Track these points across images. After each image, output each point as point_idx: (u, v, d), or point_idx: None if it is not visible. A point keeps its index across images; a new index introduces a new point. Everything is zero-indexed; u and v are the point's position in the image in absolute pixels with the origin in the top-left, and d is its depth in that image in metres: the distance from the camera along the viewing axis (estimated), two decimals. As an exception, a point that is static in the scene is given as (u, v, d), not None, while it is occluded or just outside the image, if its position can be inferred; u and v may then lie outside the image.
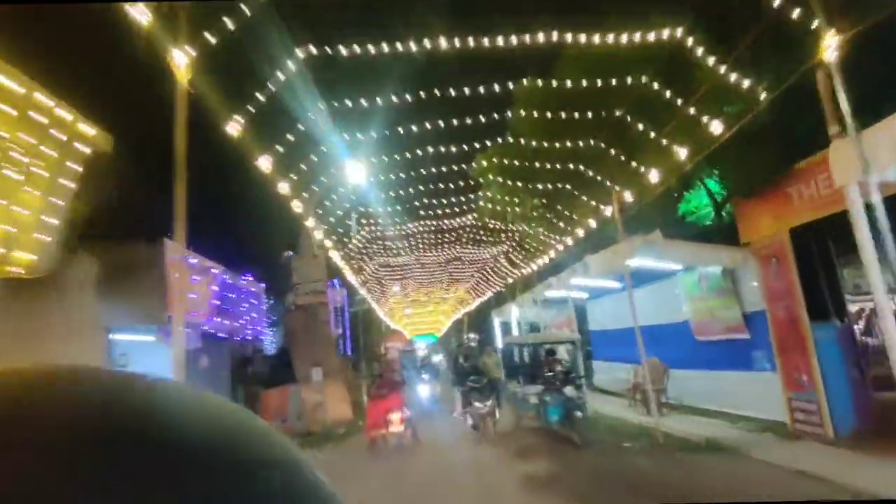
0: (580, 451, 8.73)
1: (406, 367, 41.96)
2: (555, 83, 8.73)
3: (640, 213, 10.54)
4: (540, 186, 10.43)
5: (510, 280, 20.29)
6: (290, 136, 13.19)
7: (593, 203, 10.48)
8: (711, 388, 10.72)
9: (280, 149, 12.89)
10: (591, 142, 10.05)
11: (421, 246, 16.34)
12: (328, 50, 9.89)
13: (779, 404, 8.51)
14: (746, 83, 7.61)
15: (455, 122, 10.60)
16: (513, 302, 20.21)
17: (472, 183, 12.03)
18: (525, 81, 9.13)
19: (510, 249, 16.77)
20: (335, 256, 15.98)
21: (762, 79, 7.51)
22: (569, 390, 9.44)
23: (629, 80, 8.53)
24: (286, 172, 13.65)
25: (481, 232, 14.69)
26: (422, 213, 14.29)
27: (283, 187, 13.33)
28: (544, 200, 10.84)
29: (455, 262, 19.81)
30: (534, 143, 9.67)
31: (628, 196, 10.09)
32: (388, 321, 46.45)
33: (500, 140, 10.37)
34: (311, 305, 14.72)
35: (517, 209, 11.25)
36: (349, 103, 12.15)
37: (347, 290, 44.56)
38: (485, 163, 10.77)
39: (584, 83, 8.69)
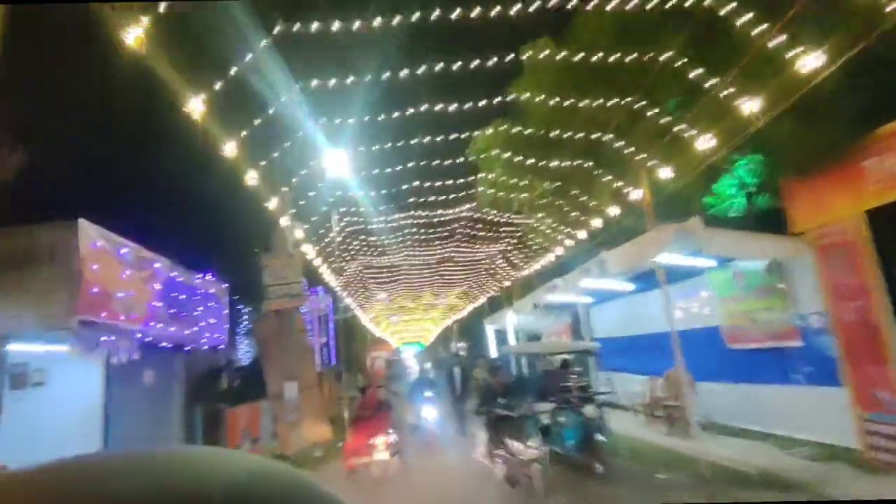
0: (607, 485, 7.14)
1: (394, 379, 39.77)
2: (573, 41, 7.27)
3: (665, 201, 9.05)
4: (552, 165, 8.89)
5: (507, 284, 18.71)
6: (261, 121, 11.69)
7: (614, 186, 8.96)
8: (749, 405, 9.21)
9: (250, 134, 11.37)
10: (611, 122, 8.55)
11: (410, 244, 14.74)
12: (302, 24, 8.45)
13: (845, 426, 7.02)
14: (808, 39, 6.18)
15: (449, 102, 9.10)
16: (509, 308, 18.65)
17: (468, 168, 10.49)
18: (537, 42, 7.65)
19: (509, 248, 15.21)
20: (315, 256, 14.31)
21: (831, 32, 6.07)
22: (589, 409, 7.86)
23: (663, 36, 7.05)
24: (257, 160, 12.10)
25: (478, 226, 13.11)
26: (411, 206, 12.71)
27: (253, 177, 11.77)
28: (557, 183, 9.30)
29: (446, 263, 18.20)
30: (546, 114, 8.16)
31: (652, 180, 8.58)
32: (374, 329, 44.67)
33: (502, 118, 8.87)
34: (285, 311, 12.99)
35: (523, 195, 9.69)
36: (328, 84, 10.70)
37: (332, 296, 42.75)
38: (487, 139, 9.23)
39: (609, 41, 7.19)
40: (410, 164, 10.82)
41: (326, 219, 13.78)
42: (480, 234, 13.63)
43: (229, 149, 10.40)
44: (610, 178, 8.90)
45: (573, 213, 10.04)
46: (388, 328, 50.84)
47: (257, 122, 11.15)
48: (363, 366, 33.76)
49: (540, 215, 10.63)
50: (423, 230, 13.34)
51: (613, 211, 9.39)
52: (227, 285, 9.92)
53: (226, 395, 12.64)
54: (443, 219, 12.21)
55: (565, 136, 8.18)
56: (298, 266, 13.33)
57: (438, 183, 10.64)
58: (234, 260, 12.72)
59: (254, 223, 12.39)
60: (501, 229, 13.11)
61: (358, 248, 14.94)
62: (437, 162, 10.19)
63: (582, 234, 10.52)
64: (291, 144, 13.30)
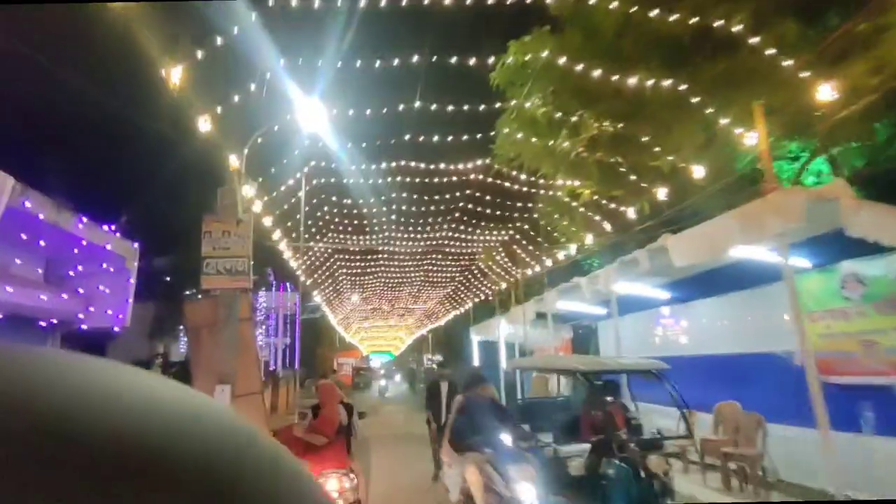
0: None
1: (361, 386, 36.46)
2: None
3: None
4: (608, 106, 6.32)
5: (502, 286, 15.98)
6: (211, 51, 9.09)
7: (706, 133, 6.35)
8: (854, 461, 6.64)
9: (195, 65, 8.77)
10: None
11: (393, 223, 12.05)
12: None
13: None
14: None
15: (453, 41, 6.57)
16: (501, 316, 15.93)
17: (480, 118, 7.82)
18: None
19: (518, 235, 12.42)
20: (274, 227, 11.43)
21: None
22: (654, 462, 5.17)
23: None
24: (203, 98, 9.47)
25: (485, 200, 10.36)
26: (399, 171, 9.97)
27: (196, 110, 9.24)
28: (619, 125, 6.58)
29: (434, 255, 15.46)
30: (611, 22, 5.58)
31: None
32: (343, 332, 41.48)
33: (541, 25, 6.35)
34: (225, 294, 10.03)
35: (564, 144, 6.98)
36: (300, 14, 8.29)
37: (300, 294, 39.61)
38: (524, 47, 6.59)
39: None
40: (401, 109, 8.12)
41: (292, 180, 10.96)
42: (485, 212, 10.94)
43: (159, 62, 7.77)
44: (703, 119, 6.26)
45: (630, 177, 7.38)
46: (357, 333, 47.72)
47: (211, 53, 8.65)
48: (328, 370, 30.55)
49: (576, 182, 7.94)
50: (412, 205, 10.65)
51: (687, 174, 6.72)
52: (136, 245, 7.02)
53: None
54: (439, 190, 9.56)
55: (642, 52, 5.59)
56: (248, 236, 10.37)
57: (438, 137, 7.97)
58: (157, 214, 9.79)
59: (191, 170, 9.57)
60: (515, 204, 10.41)
61: (329, 221, 12.13)
62: (438, 105, 7.54)
63: (635, 212, 7.83)
64: (251, 79, 10.66)
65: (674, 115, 6.29)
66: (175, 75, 8.45)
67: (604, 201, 8.03)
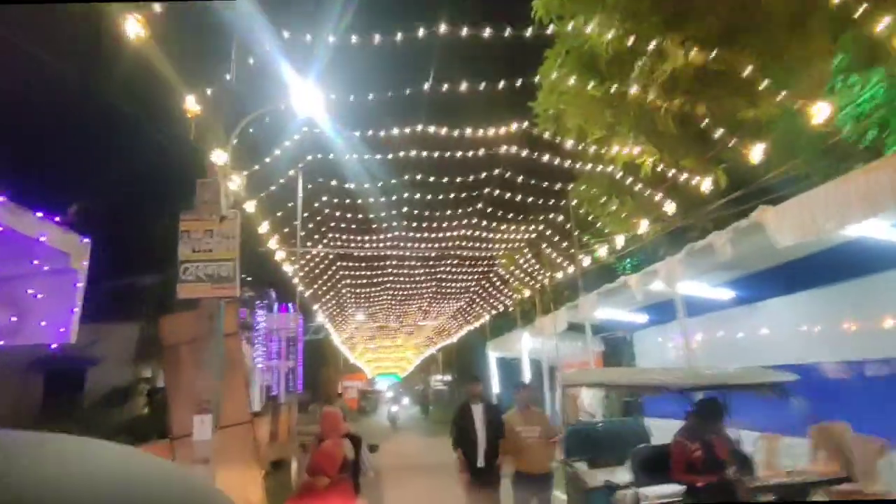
0: None
1: (368, 410, 34.44)
2: None
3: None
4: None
5: (526, 293, 14.29)
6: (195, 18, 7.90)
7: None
8: None
9: (175, 32, 7.54)
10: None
11: (404, 223, 10.56)
12: None
13: None
14: None
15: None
16: (524, 329, 14.31)
17: (511, 96, 6.33)
18: None
19: (549, 230, 10.76)
20: (268, 230, 9.97)
21: None
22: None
23: None
24: (185, 76, 8.22)
25: (514, 182, 8.71)
26: (411, 165, 8.51)
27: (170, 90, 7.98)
28: (712, 52, 4.91)
29: (448, 262, 13.89)
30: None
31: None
32: (348, 353, 39.74)
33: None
34: (207, 305, 8.51)
35: (631, 89, 5.35)
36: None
37: (303, 314, 37.99)
38: None
39: None
40: (414, 91, 6.69)
41: (288, 175, 9.52)
42: (513, 200, 9.38)
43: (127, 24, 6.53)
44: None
45: (714, 134, 5.76)
46: (363, 355, 45.96)
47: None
48: (332, 394, 28.79)
49: (636, 150, 6.27)
50: (425, 198, 9.18)
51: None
52: (86, 241, 5.54)
53: (100, 424, 8.09)
54: (460, 173, 8.08)
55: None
56: (235, 236, 8.85)
57: (460, 95, 6.48)
58: (137, 220, 8.32)
59: (168, 159, 8.17)
60: (549, 187, 8.79)
61: (330, 221, 10.64)
62: (461, 81, 6.07)
63: (712, 183, 6.21)
64: (243, 57, 9.37)
65: (794, 29, 4.77)
66: (150, 46, 7.09)
67: (670, 173, 6.49)
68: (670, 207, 7.11)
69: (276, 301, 35.12)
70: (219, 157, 8.27)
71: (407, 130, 6.29)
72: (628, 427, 6.48)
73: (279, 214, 10.52)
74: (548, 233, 11.01)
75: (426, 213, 10.11)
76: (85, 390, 13.31)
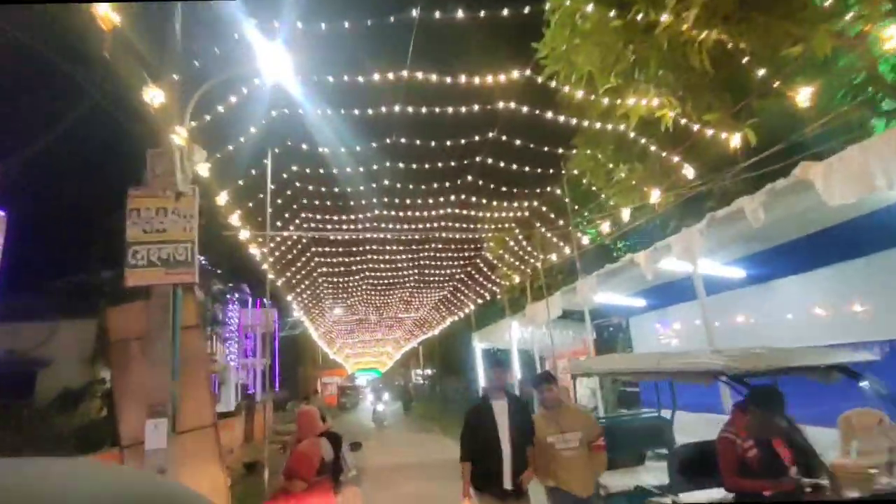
0: None
1: (348, 406, 33.54)
2: None
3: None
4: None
5: (516, 279, 13.44)
6: None
7: None
8: None
9: None
10: None
11: (385, 201, 9.64)
12: None
13: None
14: None
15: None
16: (513, 317, 13.52)
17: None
18: None
19: (545, 207, 9.84)
20: (229, 207, 8.98)
21: None
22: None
23: None
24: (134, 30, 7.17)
25: (506, 152, 7.81)
26: (393, 126, 7.58)
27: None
28: None
29: (431, 246, 12.97)
30: None
31: None
32: (327, 349, 38.61)
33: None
34: (160, 293, 7.48)
35: (662, 16, 4.41)
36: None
37: (278, 309, 36.68)
38: None
39: None
40: (400, 23, 5.75)
41: (256, 149, 8.52)
42: (507, 171, 8.43)
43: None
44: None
45: (754, 75, 4.89)
46: (342, 350, 44.84)
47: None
48: (310, 391, 27.70)
49: (655, 102, 5.35)
50: (409, 173, 8.28)
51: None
52: (2, 213, 4.57)
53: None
54: (452, 137, 7.16)
55: None
56: (193, 215, 7.85)
57: (447, 65, 5.61)
58: (89, 202, 7.23)
59: (109, 125, 7.16)
60: (548, 151, 7.85)
61: (303, 202, 9.64)
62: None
63: (741, 139, 5.34)
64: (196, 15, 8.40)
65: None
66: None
67: (691, 130, 5.69)
68: (688, 172, 6.33)
69: (250, 296, 33.87)
70: (172, 120, 7.26)
71: (390, 76, 5.37)
72: (646, 421, 5.72)
73: (245, 195, 9.51)
74: (543, 209, 10.16)
75: (410, 187, 9.19)
76: (35, 394, 12.13)
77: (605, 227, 8.63)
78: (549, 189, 9.49)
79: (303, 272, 13.46)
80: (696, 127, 5.56)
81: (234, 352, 27.37)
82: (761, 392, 3.54)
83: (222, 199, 9.36)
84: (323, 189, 8.95)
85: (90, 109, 7.69)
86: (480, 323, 16.71)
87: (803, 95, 4.44)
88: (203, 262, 17.74)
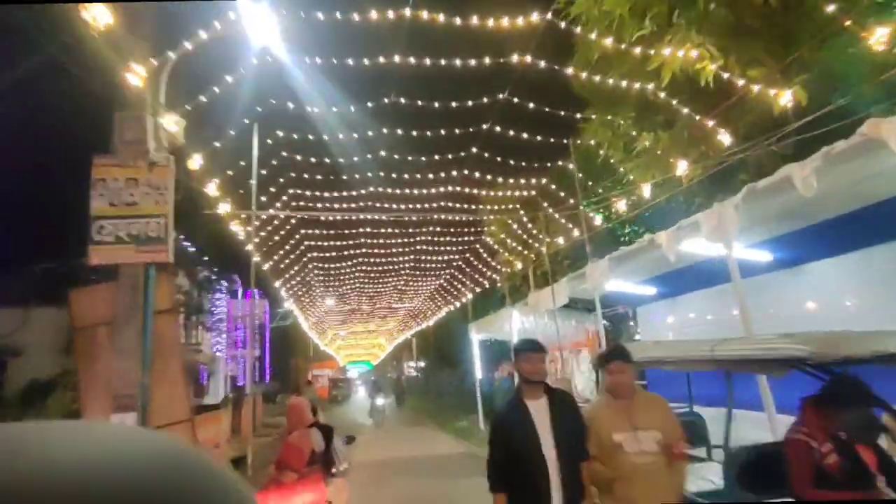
0: None
1: (339, 399, 32.89)
2: None
3: None
4: None
5: (518, 265, 12.71)
6: None
7: None
8: None
9: None
10: None
11: (381, 176, 8.91)
12: None
13: None
14: None
15: None
16: (514, 307, 12.88)
17: None
18: None
19: (553, 185, 9.07)
20: (208, 179, 8.30)
21: None
22: None
23: None
24: None
25: (518, 114, 7.03)
26: (390, 86, 6.87)
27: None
28: None
29: (428, 228, 12.27)
30: None
31: None
32: (318, 341, 37.88)
33: None
34: (131, 272, 6.73)
35: None
36: None
37: (268, 300, 35.78)
38: None
39: None
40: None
41: (239, 114, 7.79)
42: (516, 140, 7.69)
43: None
44: None
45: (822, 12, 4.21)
46: (333, 342, 44.11)
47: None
48: (301, 384, 27.02)
49: (694, 54, 4.59)
50: (407, 143, 7.57)
51: None
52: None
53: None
54: (456, 107, 6.43)
55: None
56: (167, 186, 7.12)
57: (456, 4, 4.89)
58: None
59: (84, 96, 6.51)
60: (563, 116, 7.12)
61: (292, 175, 8.90)
62: None
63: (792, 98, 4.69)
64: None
65: None
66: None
67: (731, 88, 5.02)
68: (724, 139, 5.66)
69: (240, 286, 33.05)
70: (139, 79, 6.53)
71: (390, 14, 4.64)
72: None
73: (228, 169, 8.78)
74: (552, 187, 9.44)
75: (408, 159, 8.42)
76: (4, 385, 11.38)
77: (621, 205, 7.96)
78: (559, 163, 8.77)
79: (291, 257, 12.71)
80: (734, 88, 4.89)
81: (223, 342, 26.59)
82: (845, 384, 2.90)
83: (207, 179, 8.63)
84: (313, 160, 8.22)
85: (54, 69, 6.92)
86: (478, 313, 16.05)
87: (878, 36, 3.80)
88: (189, 247, 16.93)
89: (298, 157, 8.16)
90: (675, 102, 5.69)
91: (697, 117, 5.68)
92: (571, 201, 8.69)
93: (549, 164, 9.08)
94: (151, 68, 7.07)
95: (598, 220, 9.23)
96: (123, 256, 6.56)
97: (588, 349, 13.24)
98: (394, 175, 9.68)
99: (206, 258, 18.93)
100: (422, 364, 39.83)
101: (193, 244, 16.32)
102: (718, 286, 8.38)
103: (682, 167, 6.10)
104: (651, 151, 6.95)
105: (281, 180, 8.84)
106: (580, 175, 8.28)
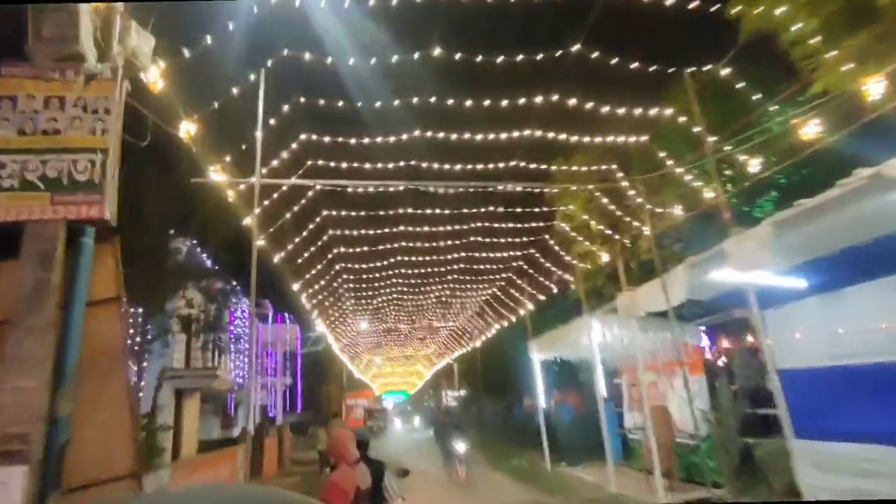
0: None
1: (375, 430, 30.13)
2: None
3: None
4: None
5: (603, 257, 9.86)
6: None
7: None
8: None
9: None
10: None
11: (425, 146, 6.56)
12: None
13: None
14: None
15: None
16: (591, 314, 10.16)
17: None
18: None
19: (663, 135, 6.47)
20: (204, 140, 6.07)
21: None
22: None
23: None
24: None
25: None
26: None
27: None
28: None
29: (484, 216, 9.76)
30: None
31: None
32: (352, 366, 35.49)
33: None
34: (39, 237, 3.99)
35: None
36: None
37: (300, 324, 33.44)
38: None
39: None
40: None
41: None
42: (607, 81, 5.19)
43: None
44: None
45: None
46: (368, 369, 41.65)
47: None
48: (332, 414, 24.53)
49: None
50: (456, 103, 5.25)
51: None
52: None
53: None
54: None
55: None
56: (111, 110, 4.63)
57: None
58: None
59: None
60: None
61: (309, 137, 6.63)
62: None
63: None
64: None
65: None
66: None
67: None
68: None
69: (270, 311, 31.06)
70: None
71: None
72: None
73: (232, 132, 6.60)
74: (656, 137, 6.76)
75: (460, 121, 6.06)
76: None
77: (813, 126, 5.21)
78: (674, 99, 6.17)
79: (317, 255, 10.35)
80: None
81: (244, 367, 24.35)
82: None
83: (215, 153, 6.47)
84: (336, 117, 5.94)
85: None
86: (537, 329, 13.30)
87: None
88: (204, 256, 14.91)
89: (317, 113, 5.97)
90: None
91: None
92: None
93: (656, 107, 6.48)
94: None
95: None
96: (32, 210, 4.28)
97: (686, 368, 10.27)
98: (439, 145, 7.33)
99: (216, 266, 16.56)
100: (462, 393, 36.77)
101: (207, 252, 14.27)
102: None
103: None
104: (863, 41, 4.31)
105: (294, 143, 6.64)
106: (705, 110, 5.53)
